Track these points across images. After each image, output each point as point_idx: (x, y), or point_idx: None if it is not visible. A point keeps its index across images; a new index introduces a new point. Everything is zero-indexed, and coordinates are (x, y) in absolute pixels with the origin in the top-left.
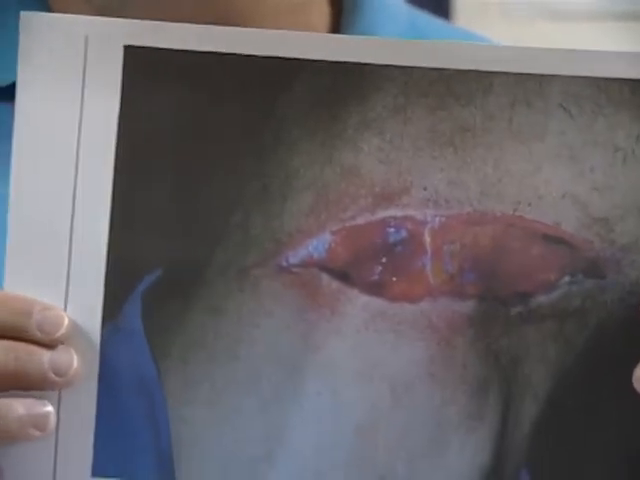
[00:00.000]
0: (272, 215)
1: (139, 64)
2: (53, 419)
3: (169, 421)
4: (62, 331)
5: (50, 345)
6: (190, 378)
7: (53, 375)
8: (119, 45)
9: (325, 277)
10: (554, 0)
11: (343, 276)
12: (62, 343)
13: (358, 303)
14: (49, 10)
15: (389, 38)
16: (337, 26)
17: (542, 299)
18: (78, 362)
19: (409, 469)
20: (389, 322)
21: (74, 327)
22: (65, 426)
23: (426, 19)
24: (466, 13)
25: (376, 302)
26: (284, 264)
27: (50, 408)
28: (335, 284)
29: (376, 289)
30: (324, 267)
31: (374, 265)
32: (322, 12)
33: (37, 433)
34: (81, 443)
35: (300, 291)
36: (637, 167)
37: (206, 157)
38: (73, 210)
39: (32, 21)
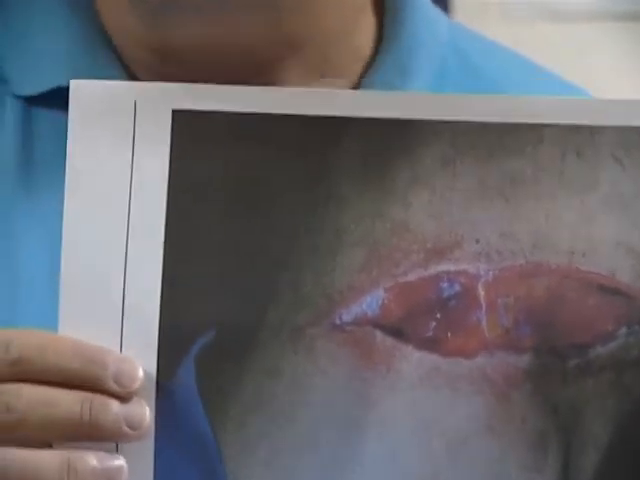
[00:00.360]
0: (323, 272)
1: (187, 127)
2: (125, 474)
3: None
4: (137, 384)
5: (124, 398)
6: (247, 441)
7: (127, 428)
8: (167, 109)
9: (379, 334)
10: (554, 0)
11: (397, 333)
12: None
13: (413, 359)
14: (97, 15)
15: (436, 94)
16: (381, 38)
17: (600, 350)
18: (149, 414)
19: None
20: (445, 378)
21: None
22: None
23: (466, 35)
24: (465, 13)
25: (431, 358)
26: (337, 322)
27: (123, 462)
28: (389, 341)
29: (431, 345)
30: (378, 324)
31: (428, 321)
32: (369, 26)
33: None
34: None
35: (354, 349)
36: None
37: (255, 216)
38: (125, 273)
39: (81, 88)
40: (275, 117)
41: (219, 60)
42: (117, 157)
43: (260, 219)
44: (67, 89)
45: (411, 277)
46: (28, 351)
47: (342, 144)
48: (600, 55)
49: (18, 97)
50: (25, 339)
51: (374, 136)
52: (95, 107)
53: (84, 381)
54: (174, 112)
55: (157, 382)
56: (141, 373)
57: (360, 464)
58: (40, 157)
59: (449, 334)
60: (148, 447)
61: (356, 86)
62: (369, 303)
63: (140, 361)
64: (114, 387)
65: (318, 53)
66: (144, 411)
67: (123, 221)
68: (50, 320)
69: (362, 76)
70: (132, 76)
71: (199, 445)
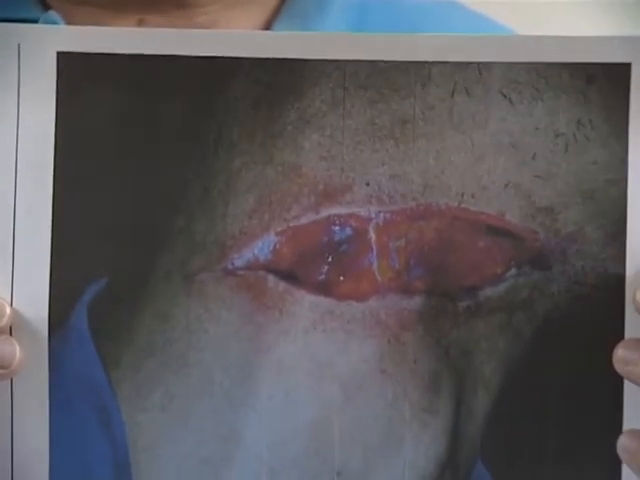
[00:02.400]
0: (215, 218)
1: (73, 69)
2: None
3: (124, 428)
4: (5, 320)
5: None
6: (142, 385)
7: None
8: (52, 51)
9: (272, 278)
10: None
11: (290, 277)
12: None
13: (306, 303)
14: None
15: (324, 32)
16: None
17: (489, 292)
18: (21, 353)
19: (364, 464)
20: (338, 321)
21: (21, 337)
22: (19, 440)
23: None
24: None
25: (324, 302)
26: (230, 267)
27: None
28: (282, 285)
29: (323, 289)
30: (270, 269)
31: (320, 265)
32: None
33: None
34: (37, 456)
35: (247, 294)
36: (579, 153)
37: (145, 162)
38: (14, 221)
39: None
40: (161, 59)
41: None
42: (2, 100)
43: (149, 164)
44: None
45: (303, 221)
46: None
47: (230, 86)
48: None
49: None
50: None
51: (262, 77)
52: None
53: None
54: (59, 54)
55: (49, 328)
56: (9, 310)
57: (254, 408)
58: None
59: (341, 278)
60: (42, 394)
61: (271, 16)
62: (261, 248)
63: (31, 307)
64: None
65: None
66: (14, 349)
67: (10, 166)
68: None
69: (280, 5)
70: (45, 6)
71: (93, 391)
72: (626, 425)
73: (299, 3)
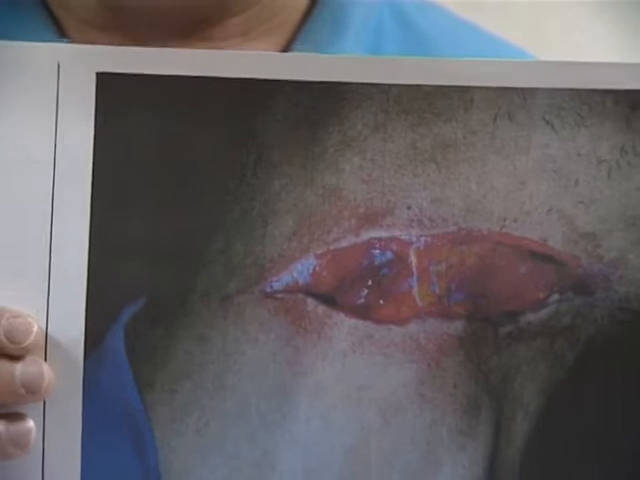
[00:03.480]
0: (254, 240)
1: (112, 90)
2: (33, 436)
3: (157, 452)
4: (31, 339)
5: (19, 356)
6: (177, 408)
7: (24, 390)
8: (91, 72)
9: (311, 302)
10: None
11: (329, 300)
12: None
13: (345, 327)
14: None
15: (367, 56)
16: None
17: (531, 317)
18: (53, 375)
19: None
20: (377, 345)
21: (55, 358)
22: (50, 465)
23: None
24: None
25: (363, 325)
26: (268, 290)
27: (31, 424)
28: (321, 308)
29: (363, 312)
30: (309, 292)
31: (360, 288)
32: None
33: (18, 452)
34: (69, 476)
35: (285, 317)
36: (622, 180)
37: (185, 182)
38: (51, 239)
39: (3, 50)
40: (202, 80)
41: (158, 12)
42: (40, 121)
43: (188, 185)
44: None
45: (343, 244)
46: None
47: (271, 108)
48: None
49: None
50: None
51: (304, 100)
52: (18, 69)
53: None
54: (98, 75)
55: (85, 349)
56: (35, 327)
57: (290, 432)
58: None
59: (381, 301)
60: (75, 418)
61: (289, 41)
62: (300, 271)
63: (67, 327)
64: (5, 342)
65: (259, 9)
66: (41, 369)
67: (48, 187)
68: None
69: (297, 31)
70: (63, 34)
71: (128, 414)
72: None
73: (315, 29)
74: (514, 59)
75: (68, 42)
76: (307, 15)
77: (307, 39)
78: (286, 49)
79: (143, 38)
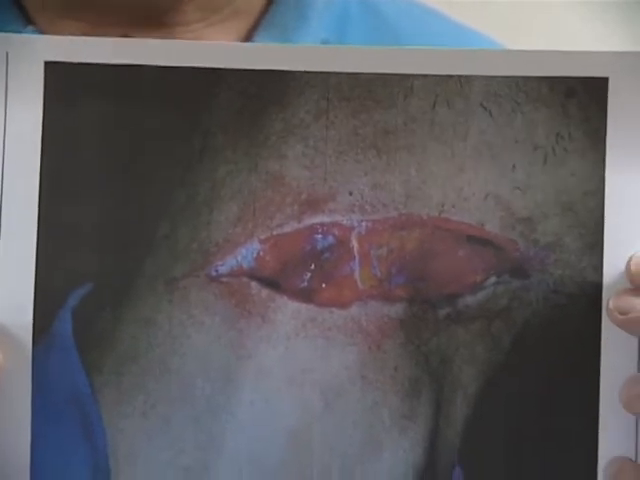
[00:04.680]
0: (199, 225)
1: (60, 79)
2: None
3: (105, 433)
4: None
5: None
6: (124, 391)
7: None
8: (40, 61)
9: (255, 285)
10: None
11: (273, 284)
12: None
13: (288, 310)
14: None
15: (308, 45)
16: None
17: (469, 300)
18: (4, 359)
19: (344, 471)
20: (319, 328)
21: (4, 343)
22: (1, 441)
23: None
24: None
25: (306, 309)
26: (213, 274)
27: None
28: (265, 292)
29: (305, 296)
30: (253, 276)
31: (303, 272)
32: None
33: None
34: (18, 462)
35: (230, 300)
36: (557, 165)
37: (130, 169)
38: None
39: None
40: (148, 68)
41: (119, 4)
42: None
43: (134, 172)
44: None
45: (286, 229)
46: None
47: (215, 96)
48: (541, 11)
49: None
50: None
51: (247, 88)
52: None
53: None
54: (46, 64)
55: (33, 333)
56: None
57: (234, 415)
58: None
59: (323, 285)
60: (25, 400)
61: (253, 27)
62: (244, 255)
63: (16, 313)
64: None
65: None
66: None
67: None
68: None
69: (261, 17)
70: (28, 21)
71: (76, 397)
72: (602, 427)
73: (279, 14)
74: (450, 47)
75: (32, 30)
76: (270, 0)
77: (271, 24)
78: (250, 35)
79: (105, 24)
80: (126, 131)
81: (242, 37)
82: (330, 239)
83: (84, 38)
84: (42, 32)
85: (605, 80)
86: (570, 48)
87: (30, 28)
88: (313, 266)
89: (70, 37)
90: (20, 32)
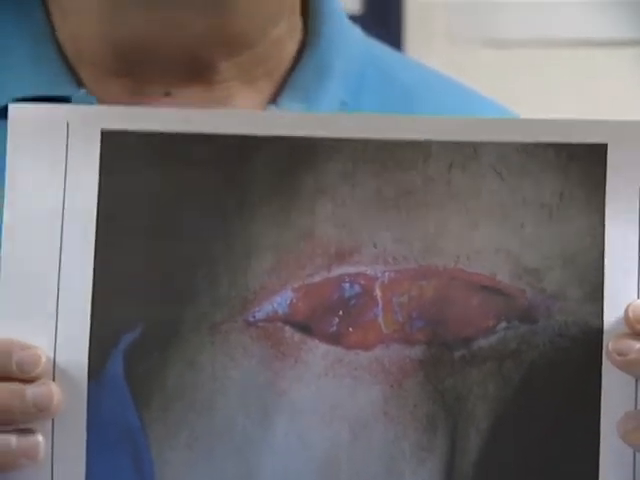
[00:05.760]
0: (238, 275)
1: (115, 145)
2: (42, 449)
3: (153, 465)
4: (39, 368)
5: (31, 380)
6: (171, 426)
7: (35, 409)
8: (97, 129)
9: (288, 329)
10: (496, 29)
11: (304, 328)
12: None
13: (318, 352)
14: (52, 32)
15: (338, 113)
16: (304, 45)
17: (482, 343)
18: (61, 395)
19: None
20: (347, 368)
21: (62, 380)
22: (59, 472)
23: (381, 47)
24: (415, 39)
25: (334, 350)
26: (251, 319)
27: (40, 439)
28: (297, 336)
29: (334, 339)
30: (287, 321)
31: (332, 317)
32: (295, 33)
33: (28, 462)
34: None
35: (266, 343)
36: (561, 222)
37: (176, 224)
38: (59, 275)
39: (19, 111)
40: (194, 136)
41: (164, 59)
42: (52, 174)
43: (181, 226)
44: (23, 101)
45: (316, 279)
46: None
47: (254, 159)
48: (537, 78)
49: None
50: None
51: (282, 152)
52: (31, 128)
53: None
54: (103, 132)
55: (89, 371)
56: (44, 358)
57: (271, 447)
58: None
59: (350, 329)
60: (80, 429)
61: (279, 87)
62: (279, 302)
63: (72, 354)
64: (18, 373)
65: (251, 56)
66: (50, 390)
67: (57, 227)
68: None
69: (286, 77)
70: (80, 84)
71: (127, 431)
72: (602, 459)
73: (302, 76)
74: (466, 116)
75: (84, 92)
76: (295, 63)
77: (296, 85)
78: (277, 93)
79: (149, 82)
80: (172, 190)
81: (270, 95)
82: (356, 288)
83: (137, 108)
84: (92, 93)
85: (604, 146)
86: (572, 117)
87: (83, 91)
88: (341, 312)
89: (125, 107)
90: (72, 95)
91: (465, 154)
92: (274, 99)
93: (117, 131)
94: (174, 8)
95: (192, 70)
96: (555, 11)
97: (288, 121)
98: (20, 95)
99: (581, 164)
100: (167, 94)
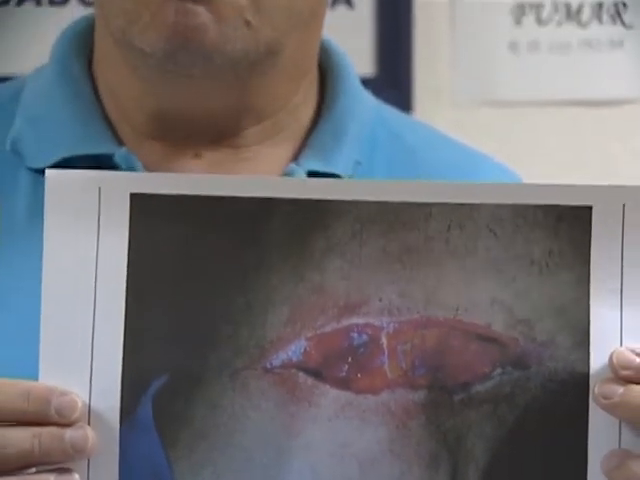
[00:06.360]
0: (256, 326)
1: (142, 207)
2: None
3: None
4: (76, 413)
5: (68, 424)
6: (195, 463)
7: (72, 450)
8: (126, 193)
9: (302, 375)
10: (497, 90)
11: (317, 374)
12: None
13: (330, 396)
14: (98, 100)
15: (347, 180)
16: (321, 105)
17: (479, 387)
18: (95, 438)
19: None
20: (356, 410)
21: (96, 424)
22: None
23: (389, 110)
24: (422, 100)
25: (344, 394)
26: (268, 366)
27: (77, 477)
28: (310, 381)
29: (344, 384)
30: (301, 367)
31: (342, 364)
32: (312, 100)
33: None
34: None
35: (282, 388)
36: (550, 276)
37: (200, 279)
38: (93, 328)
39: (56, 176)
40: (215, 198)
41: (195, 125)
42: (85, 234)
43: (204, 283)
44: (69, 161)
45: (327, 329)
46: None
47: (272, 220)
48: (540, 138)
49: (30, 169)
50: None
51: (297, 213)
52: (66, 192)
53: (33, 418)
54: (131, 195)
55: (120, 417)
56: (80, 404)
57: None
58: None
59: (359, 375)
60: (113, 468)
61: (300, 148)
62: (293, 350)
63: (106, 399)
64: (57, 419)
65: (273, 122)
66: (86, 434)
67: (91, 286)
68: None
69: (305, 139)
70: (121, 144)
71: (156, 468)
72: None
73: (320, 139)
74: (463, 181)
75: (125, 150)
76: (314, 125)
77: (314, 147)
78: (296, 154)
79: (181, 144)
80: (196, 249)
81: (290, 156)
82: (364, 337)
83: (163, 174)
84: (132, 152)
85: (589, 208)
86: (560, 181)
87: (124, 149)
88: (350, 359)
89: (151, 173)
90: (114, 153)
91: (462, 215)
92: (295, 158)
93: (144, 194)
94: (204, 84)
95: (220, 135)
96: (551, 73)
97: (302, 185)
98: (68, 153)
99: (568, 224)
100: (197, 155)
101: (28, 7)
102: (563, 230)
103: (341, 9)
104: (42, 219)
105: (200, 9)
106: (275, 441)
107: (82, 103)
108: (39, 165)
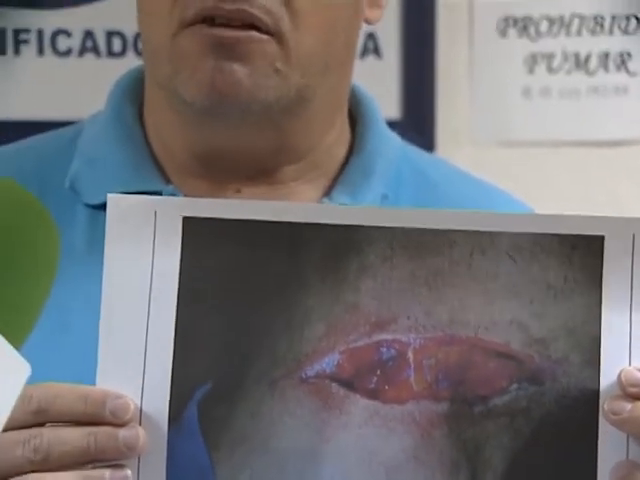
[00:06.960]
0: (294, 340)
1: (194, 230)
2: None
3: None
4: (129, 415)
5: (121, 425)
6: (235, 465)
7: (125, 448)
8: (179, 216)
9: (335, 386)
10: (511, 132)
11: (348, 385)
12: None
13: (359, 405)
14: (146, 142)
15: (379, 207)
16: (352, 145)
17: (497, 401)
18: (144, 437)
19: None
20: (383, 419)
21: (147, 426)
22: None
23: (414, 149)
24: (443, 141)
25: (373, 404)
26: (303, 377)
27: (129, 473)
28: (342, 391)
29: (373, 394)
30: (334, 378)
31: (371, 376)
32: (344, 140)
33: None
34: None
35: (316, 397)
36: (565, 300)
37: (245, 299)
38: (146, 341)
39: (117, 200)
40: (259, 223)
41: (235, 164)
42: (142, 253)
43: (248, 300)
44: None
45: (359, 344)
46: (45, 402)
47: (309, 244)
48: (550, 176)
49: (87, 205)
50: (42, 392)
51: (333, 238)
52: (126, 216)
53: (89, 418)
54: (184, 219)
55: (169, 419)
56: (132, 406)
57: None
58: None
59: (387, 386)
60: (161, 467)
61: (331, 183)
62: (327, 363)
63: (155, 404)
64: (111, 419)
65: (308, 161)
66: (137, 433)
67: (145, 301)
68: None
69: (337, 175)
70: (168, 182)
71: (200, 468)
72: None
73: (350, 175)
74: (484, 210)
75: (172, 188)
76: (345, 163)
77: (345, 182)
78: (329, 189)
79: (223, 182)
80: (241, 269)
81: (324, 192)
82: (392, 352)
83: (213, 200)
84: (178, 188)
85: (601, 238)
86: (575, 212)
87: (171, 187)
88: (379, 372)
89: (202, 199)
90: (162, 190)
91: (484, 242)
92: (327, 193)
93: (195, 218)
94: (242, 127)
95: (258, 173)
96: (561, 116)
97: (338, 212)
98: (121, 190)
99: (582, 252)
100: (238, 191)
101: (88, 58)
102: (577, 257)
103: (370, 59)
104: (98, 248)
105: (235, 66)
106: (308, 446)
107: (133, 145)
108: (95, 201)
